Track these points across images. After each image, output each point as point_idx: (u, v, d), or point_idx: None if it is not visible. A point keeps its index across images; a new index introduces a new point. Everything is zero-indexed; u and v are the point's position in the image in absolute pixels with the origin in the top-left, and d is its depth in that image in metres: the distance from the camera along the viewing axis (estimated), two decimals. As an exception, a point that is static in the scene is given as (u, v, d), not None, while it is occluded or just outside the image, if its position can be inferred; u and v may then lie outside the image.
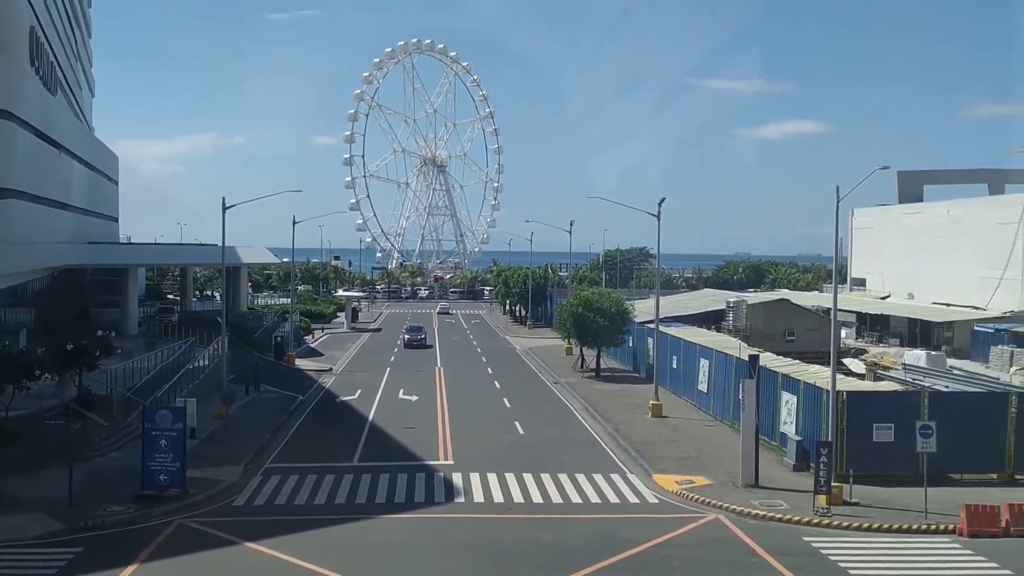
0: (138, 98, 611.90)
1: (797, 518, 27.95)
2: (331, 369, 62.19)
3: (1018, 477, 32.26)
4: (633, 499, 30.61)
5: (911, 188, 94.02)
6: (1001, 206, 76.56)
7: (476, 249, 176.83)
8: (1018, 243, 70.96)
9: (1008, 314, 66.69)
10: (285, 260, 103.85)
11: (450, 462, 35.22)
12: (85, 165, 70.19)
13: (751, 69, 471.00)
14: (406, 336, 78.11)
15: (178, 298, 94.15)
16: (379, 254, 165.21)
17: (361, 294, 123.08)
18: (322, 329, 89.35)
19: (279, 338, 68.24)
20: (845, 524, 27.43)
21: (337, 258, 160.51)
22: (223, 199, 46.08)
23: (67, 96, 68.15)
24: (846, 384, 36.07)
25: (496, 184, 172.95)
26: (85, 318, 52.56)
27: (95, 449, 34.50)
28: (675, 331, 54.77)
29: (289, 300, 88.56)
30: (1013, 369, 53.24)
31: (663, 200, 46.79)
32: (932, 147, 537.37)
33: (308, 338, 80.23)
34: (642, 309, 63.30)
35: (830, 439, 30.24)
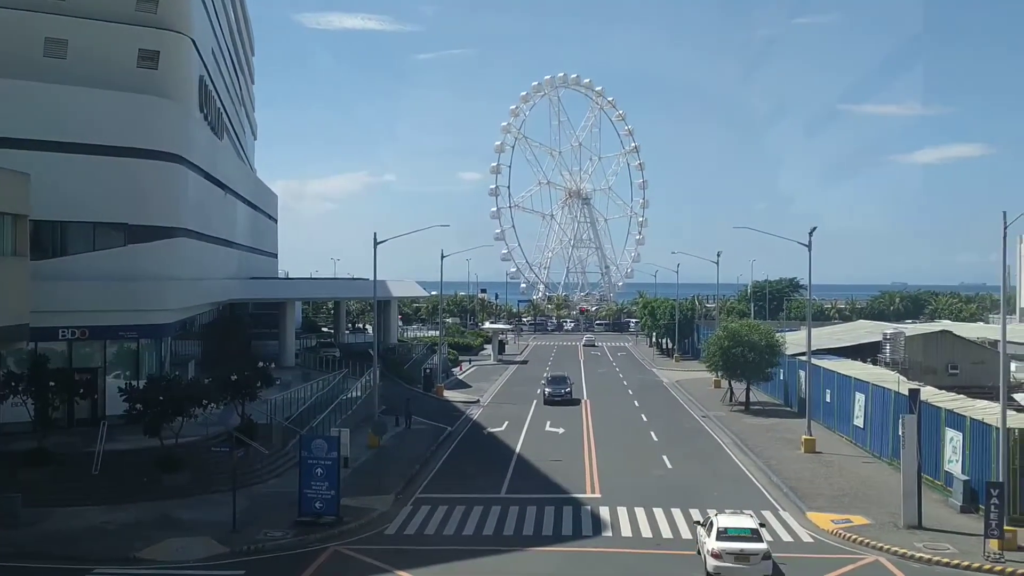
0: (295, 139, 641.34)
1: (966, 563, 26.41)
2: (479, 401, 62.92)
3: None
4: (786, 537, 29.62)
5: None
6: None
7: (620, 283, 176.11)
8: None
9: None
10: (433, 293, 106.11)
11: (597, 495, 35.01)
12: (248, 205, 73.86)
13: (905, 93, 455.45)
14: (547, 389, 62.54)
15: (332, 330, 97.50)
16: (523, 285, 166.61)
17: (507, 326, 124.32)
18: (469, 361, 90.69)
19: (428, 370, 69.63)
20: (1021, 572, 25.72)
21: (484, 291, 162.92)
22: (374, 235, 47.75)
23: (232, 140, 72.04)
24: (1018, 421, 33.91)
25: (641, 219, 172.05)
26: (247, 350, 55.16)
27: (256, 476, 36.00)
28: (828, 364, 52.95)
29: (437, 332, 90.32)
30: None
31: (814, 229, 45.52)
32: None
33: (456, 370, 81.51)
34: (793, 341, 61.55)
35: (1001, 479, 28.50)
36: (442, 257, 69.14)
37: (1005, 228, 29.74)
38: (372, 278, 50.81)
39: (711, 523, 26.17)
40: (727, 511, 28.14)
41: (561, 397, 61.02)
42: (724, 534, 25.22)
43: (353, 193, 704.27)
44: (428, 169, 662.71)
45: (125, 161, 43.09)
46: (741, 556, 24.45)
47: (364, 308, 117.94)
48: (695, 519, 29.44)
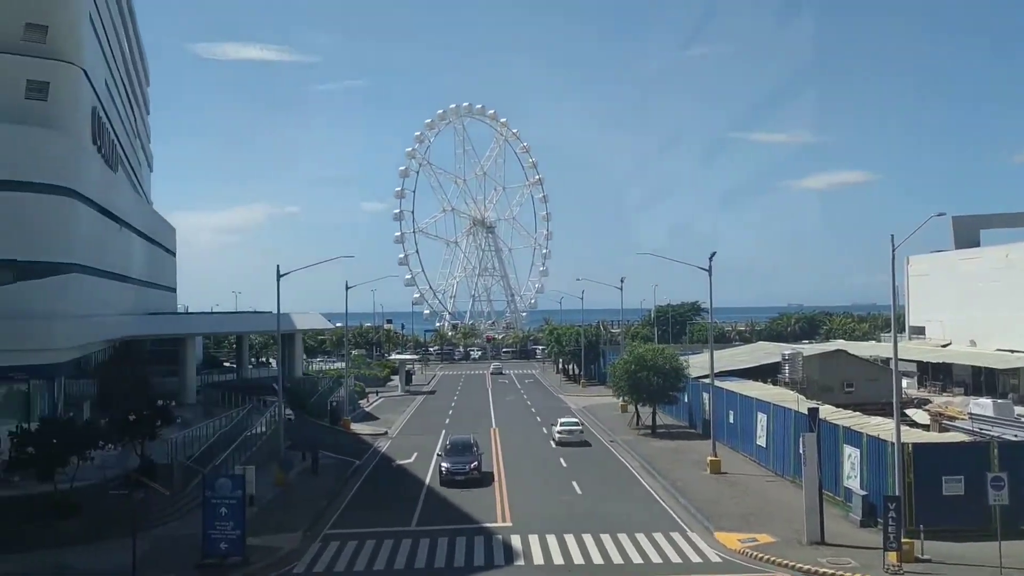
0: (194, 171, 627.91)
1: (867, 576, 27.18)
2: (386, 433, 62.26)
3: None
4: (695, 558, 30.02)
5: (967, 233, 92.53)
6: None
7: (524, 313, 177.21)
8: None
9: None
10: (339, 325, 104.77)
11: (508, 524, 34.91)
12: (144, 238, 71.96)
13: (793, 121, 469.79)
14: (444, 464, 43.63)
15: (235, 365, 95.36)
16: (427, 311, 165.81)
17: (414, 357, 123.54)
18: (376, 393, 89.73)
19: (334, 403, 68.60)
20: (917, 581, 26.61)
21: (390, 321, 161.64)
22: (277, 267, 46.94)
23: (127, 172, 70.17)
24: (911, 436, 35.25)
25: (545, 251, 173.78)
26: (145, 388, 53.46)
27: (157, 518, 34.81)
28: (730, 385, 54.14)
29: (343, 365, 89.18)
30: (1084, 416, 51.50)
31: (713, 254, 46.73)
32: (985, 192, 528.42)
33: (363, 402, 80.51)
34: (696, 364, 62.72)
35: (897, 493, 29.48)
36: (347, 288, 68.55)
37: (893, 250, 31.03)
38: (275, 311, 49.93)
39: (558, 422, 57.40)
40: (563, 417, 60.76)
41: (464, 475, 42.56)
42: (562, 425, 56.58)
43: (255, 225, 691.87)
44: (331, 200, 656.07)
45: (13, 195, 41.56)
46: (572, 432, 55.35)
47: (267, 341, 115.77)
48: (552, 423, 59.53)
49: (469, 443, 46.29)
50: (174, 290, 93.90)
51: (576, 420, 59.21)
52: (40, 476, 33.39)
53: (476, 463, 43.67)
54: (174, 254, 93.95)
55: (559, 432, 55.22)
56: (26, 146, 42.43)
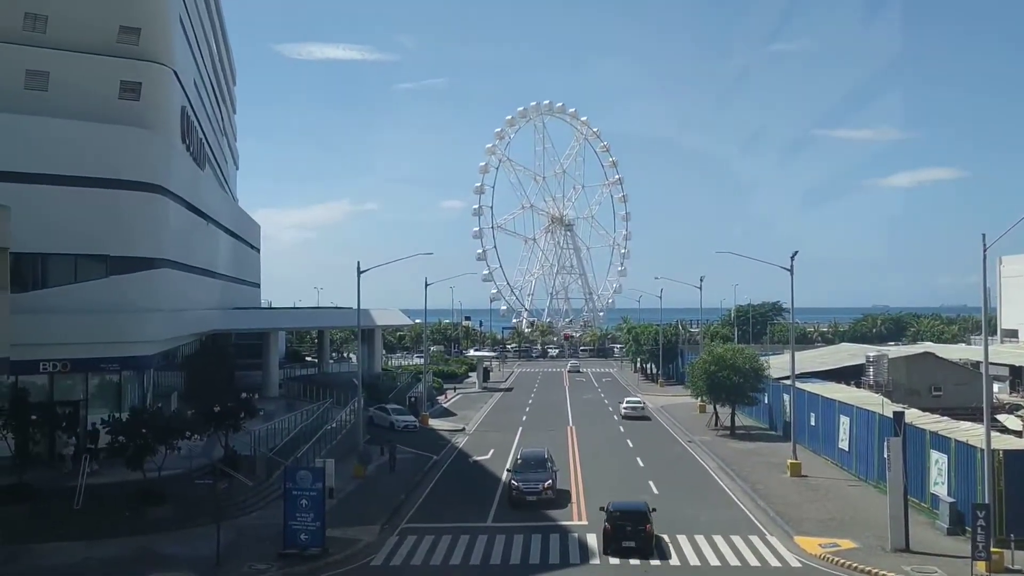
0: (277, 168, 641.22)
1: (954, 585, 26.40)
2: (464, 429, 62.64)
3: None
4: (774, 562, 29.55)
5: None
6: None
7: (602, 311, 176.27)
8: None
9: None
10: (417, 321, 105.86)
11: (584, 523, 34.82)
12: (230, 234, 73.67)
13: (878, 118, 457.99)
14: (514, 480, 38.87)
15: (316, 359, 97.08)
16: (504, 307, 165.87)
17: (492, 354, 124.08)
18: (454, 389, 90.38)
19: (413, 399, 69.31)
20: (1007, 593, 25.76)
21: (468, 319, 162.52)
22: (358, 264, 47.61)
23: (214, 170, 71.91)
24: (1002, 442, 34.09)
25: (623, 251, 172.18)
26: (230, 381, 54.73)
27: (239, 508, 35.64)
28: (812, 387, 53.10)
29: (422, 361, 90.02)
30: None
31: (795, 253, 45.87)
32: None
33: (441, 398, 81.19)
34: (776, 365, 61.70)
35: (987, 501, 28.54)
36: (426, 285, 69.16)
37: (985, 250, 29.95)
38: (356, 307, 50.66)
39: (625, 400, 70.53)
40: (628, 396, 73.82)
41: (536, 495, 37.62)
42: (628, 402, 69.42)
43: (336, 222, 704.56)
44: (410, 197, 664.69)
45: (106, 192, 42.99)
46: (635, 408, 67.73)
47: (348, 337, 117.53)
48: (618, 401, 72.90)
49: (542, 457, 41.39)
50: (258, 285, 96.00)
51: (639, 399, 72.35)
52: (130, 464, 34.47)
53: (550, 481, 38.75)
54: (258, 250, 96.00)
55: (624, 408, 68.33)
56: (119, 144, 43.82)
